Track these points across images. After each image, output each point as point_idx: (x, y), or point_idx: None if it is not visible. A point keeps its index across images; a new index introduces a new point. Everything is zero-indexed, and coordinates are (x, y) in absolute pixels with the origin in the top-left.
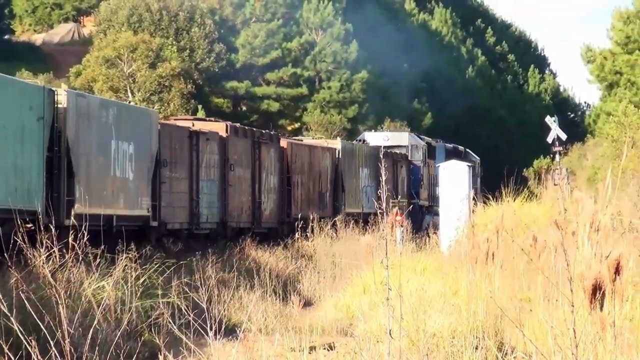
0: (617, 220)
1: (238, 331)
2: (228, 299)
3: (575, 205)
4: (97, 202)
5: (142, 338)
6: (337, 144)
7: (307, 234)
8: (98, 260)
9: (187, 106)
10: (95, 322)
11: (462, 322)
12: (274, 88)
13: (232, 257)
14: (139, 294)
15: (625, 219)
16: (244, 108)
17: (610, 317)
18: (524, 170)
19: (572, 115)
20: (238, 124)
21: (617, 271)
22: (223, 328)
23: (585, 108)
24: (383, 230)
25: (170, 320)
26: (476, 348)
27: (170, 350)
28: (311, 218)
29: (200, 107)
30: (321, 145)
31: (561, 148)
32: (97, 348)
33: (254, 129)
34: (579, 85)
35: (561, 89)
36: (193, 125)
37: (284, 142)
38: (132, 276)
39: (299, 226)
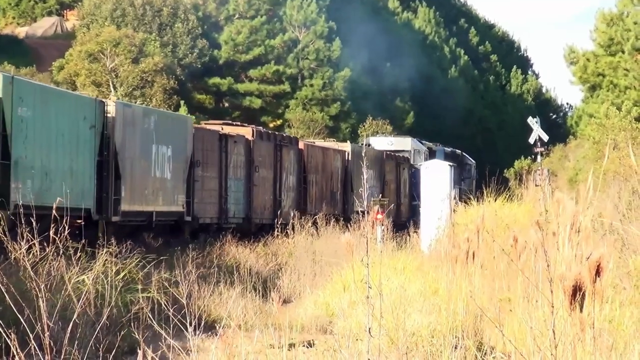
0: (598, 222)
1: (217, 327)
2: (208, 294)
3: (556, 206)
4: (139, 200)
5: (122, 333)
6: (347, 146)
7: (288, 231)
8: (79, 254)
9: (170, 102)
10: (75, 316)
11: (441, 322)
12: (257, 85)
13: (212, 253)
14: (119, 289)
15: (606, 220)
16: (226, 104)
17: (590, 319)
18: (505, 170)
19: (554, 117)
20: (262, 128)
21: (598, 273)
22: (202, 324)
23: (567, 109)
24: (364, 228)
25: (150, 315)
26: (455, 347)
27: (150, 345)
28: (292, 215)
29: (182, 102)
30: (333, 147)
31: (543, 149)
32: (76, 342)
33: (276, 132)
34: (562, 86)
35: (543, 90)
36: (222, 129)
37: (301, 144)
38: (112, 270)
39: (279, 223)
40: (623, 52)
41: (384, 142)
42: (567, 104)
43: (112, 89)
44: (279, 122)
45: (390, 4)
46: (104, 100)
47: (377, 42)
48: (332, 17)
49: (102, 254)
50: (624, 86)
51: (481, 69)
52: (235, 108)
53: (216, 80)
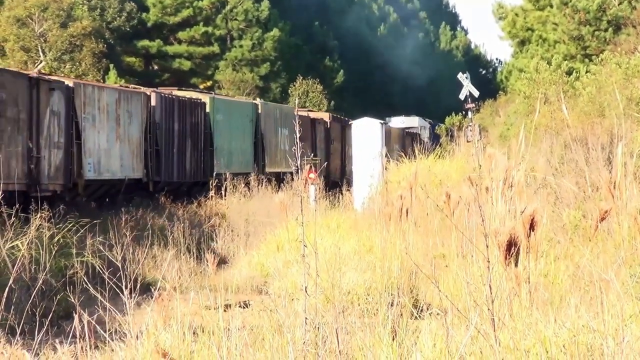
0: (531, 177)
1: (153, 290)
2: (142, 257)
3: (488, 162)
4: (274, 164)
5: (57, 297)
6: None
7: (222, 193)
8: (12, 219)
9: (99, 65)
10: (10, 282)
11: (376, 279)
12: (186, 47)
13: (146, 215)
14: (53, 253)
15: (539, 175)
16: (156, 67)
17: (525, 273)
18: (437, 127)
19: (484, 72)
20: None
21: (532, 227)
22: (138, 286)
23: (497, 65)
24: (298, 188)
25: (85, 279)
26: (391, 305)
27: (86, 309)
28: (224, 177)
29: (112, 66)
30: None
31: (473, 105)
32: (12, 307)
33: (339, 115)
34: (491, 42)
35: (473, 46)
36: (307, 114)
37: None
38: (46, 235)
39: (214, 184)
40: (552, 6)
41: (398, 121)
42: (497, 59)
43: (40, 53)
44: (208, 83)
45: None
46: (257, 102)
47: (305, 1)
48: None
49: (35, 218)
50: (553, 40)
51: (410, 27)
52: (165, 70)
53: (145, 42)
